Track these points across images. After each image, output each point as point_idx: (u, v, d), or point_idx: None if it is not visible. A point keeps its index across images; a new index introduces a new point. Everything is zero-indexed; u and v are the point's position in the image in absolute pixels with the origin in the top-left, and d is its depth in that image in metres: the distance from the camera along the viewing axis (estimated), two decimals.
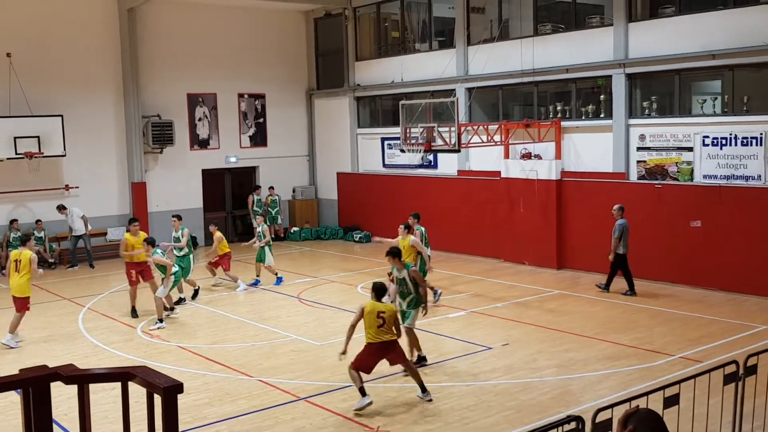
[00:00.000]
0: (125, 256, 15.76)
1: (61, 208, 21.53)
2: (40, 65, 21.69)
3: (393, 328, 10.08)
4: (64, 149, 21.49)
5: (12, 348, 13.40)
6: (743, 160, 16.10)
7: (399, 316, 11.33)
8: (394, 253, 11.78)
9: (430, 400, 10.20)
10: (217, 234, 18.03)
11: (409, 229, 15.28)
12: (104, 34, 22.96)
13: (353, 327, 10.18)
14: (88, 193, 22.50)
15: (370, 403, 9.87)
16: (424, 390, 10.25)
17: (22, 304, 13.68)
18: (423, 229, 15.97)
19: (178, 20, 24.24)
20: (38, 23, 21.75)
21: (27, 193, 21.78)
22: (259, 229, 18.61)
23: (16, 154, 20.64)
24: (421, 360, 11.82)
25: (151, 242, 15.49)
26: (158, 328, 14.49)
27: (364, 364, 10.05)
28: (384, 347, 10.05)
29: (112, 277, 20.17)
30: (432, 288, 15.82)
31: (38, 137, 20.93)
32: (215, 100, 25.33)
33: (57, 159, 21.82)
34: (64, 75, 22.24)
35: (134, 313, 15.50)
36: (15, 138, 20.59)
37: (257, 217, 19.37)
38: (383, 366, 11.75)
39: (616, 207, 16.60)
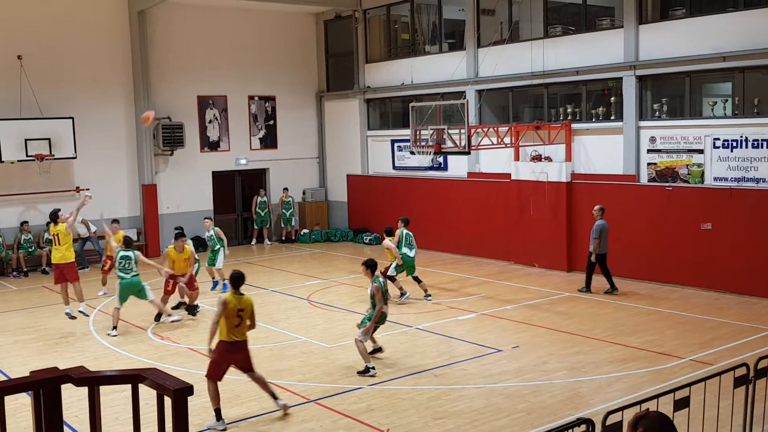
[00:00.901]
0: (164, 270, 15.29)
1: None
2: (50, 67, 21.79)
3: (246, 327, 9.81)
4: (75, 151, 21.57)
5: (87, 316, 15.40)
6: (754, 162, 16.04)
7: None
8: (368, 265, 12.22)
9: (285, 405, 9.94)
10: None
11: (391, 234, 16.61)
12: (115, 36, 23.05)
13: (217, 324, 9.80)
14: (98, 195, 22.47)
15: (225, 430, 9.56)
16: (275, 397, 9.94)
17: (70, 272, 15.18)
18: (405, 231, 16.71)
19: (189, 22, 24.31)
20: (49, 26, 21.84)
21: (38, 195, 21.87)
22: (208, 234, 18.02)
23: (27, 156, 20.73)
24: (377, 351, 12.39)
25: (128, 243, 14.82)
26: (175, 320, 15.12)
27: (218, 368, 9.70)
28: (237, 347, 9.76)
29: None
30: (401, 289, 16.63)
31: (49, 139, 21.01)
32: (225, 103, 25.39)
33: (68, 161, 21.90)
34: (74, 77, 22.33)
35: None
36: (26, 140, 20.68)
37: (206, 220, 18.47)
38: (393, 368, 11.77)
39: (597, 207, 16.83)
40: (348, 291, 17.99)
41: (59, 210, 15.94)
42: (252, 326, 9.89)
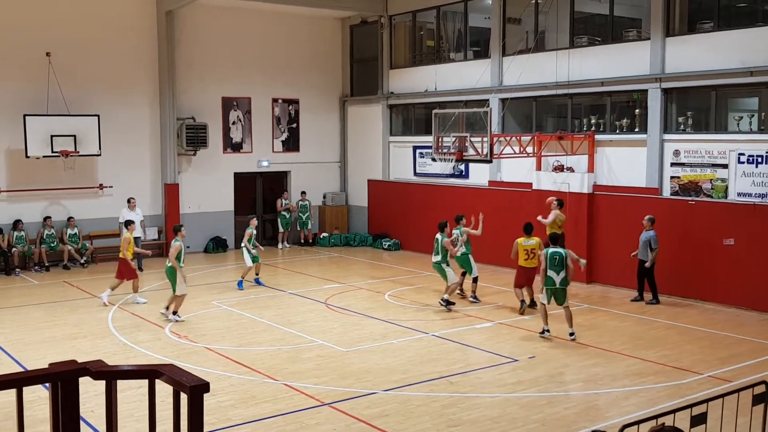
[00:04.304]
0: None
1: (130, 201, 21.62)
2: (78, 65, 22.00)
3: None
4: (100, 149, 21.74)
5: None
6: None
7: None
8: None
9: None
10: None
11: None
12: (142, 36, 23.24)
13: None
14: (121, 193, 22.71)
15: None
16: None
17: None
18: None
19: (215, 24, 24.46)
20: (77, 24, 22.07)
21: (62, 191, 22.08)
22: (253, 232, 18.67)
23: (53, 152, 20.93)
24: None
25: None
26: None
27: None
28: None
29: (144, 277, 20.34)
30: (474, 293, 17.40)
31: (74, 136, 21.21)
32: (249, 104, 25.51)
33: (92, 158, 22.10)
34: (101, 75, 22.52)
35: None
36: (52, 136, 20.88)
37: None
38: (408, 374, 11.77)
39: (648, 217, 16.90)
40: (366, 296, 17.99)
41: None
42: None
